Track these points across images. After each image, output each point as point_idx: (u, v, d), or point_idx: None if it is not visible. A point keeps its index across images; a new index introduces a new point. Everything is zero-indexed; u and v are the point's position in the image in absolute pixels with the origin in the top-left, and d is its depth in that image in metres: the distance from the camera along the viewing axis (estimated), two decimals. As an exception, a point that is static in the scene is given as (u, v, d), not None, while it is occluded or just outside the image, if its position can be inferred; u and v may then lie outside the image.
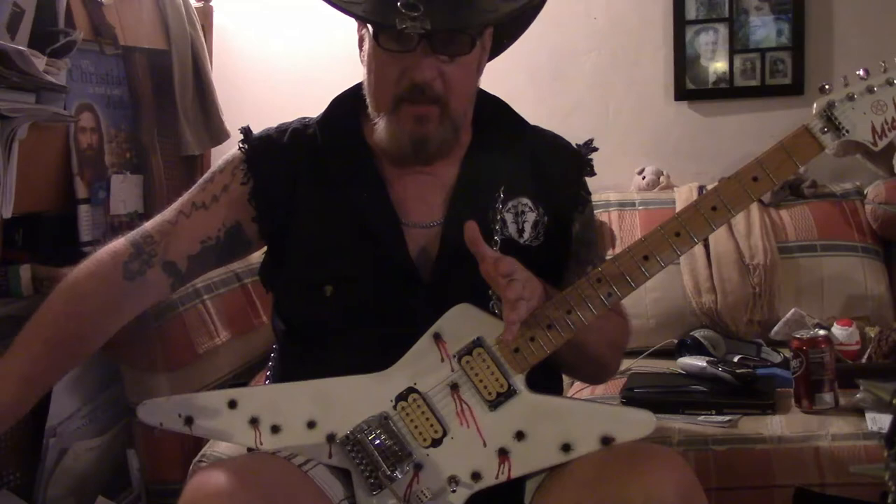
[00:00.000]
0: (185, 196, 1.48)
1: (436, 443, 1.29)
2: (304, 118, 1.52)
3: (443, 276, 1.39)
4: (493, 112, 1.52)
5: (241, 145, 1.49)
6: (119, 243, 1.44)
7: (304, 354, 1.44)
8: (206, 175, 1.50)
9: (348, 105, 1.48)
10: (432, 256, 1.41)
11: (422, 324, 1.32)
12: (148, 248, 1.43)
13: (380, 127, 1.39)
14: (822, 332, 2.00)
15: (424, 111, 1.35)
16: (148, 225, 1.47)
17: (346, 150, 1.46)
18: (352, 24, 1.46)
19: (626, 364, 2.20)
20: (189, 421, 1.34)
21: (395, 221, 1.42)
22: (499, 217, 1.42)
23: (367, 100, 1.42)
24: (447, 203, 1.44)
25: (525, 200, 1.45)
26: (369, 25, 1.37)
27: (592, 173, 1.53)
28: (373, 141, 1.43)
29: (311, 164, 1.45)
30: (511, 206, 1.44)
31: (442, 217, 1.43)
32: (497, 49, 1.53)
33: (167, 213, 1.48)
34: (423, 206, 1.44)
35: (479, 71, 1.45)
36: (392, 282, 1.39)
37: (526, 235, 1.44)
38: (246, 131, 1.50)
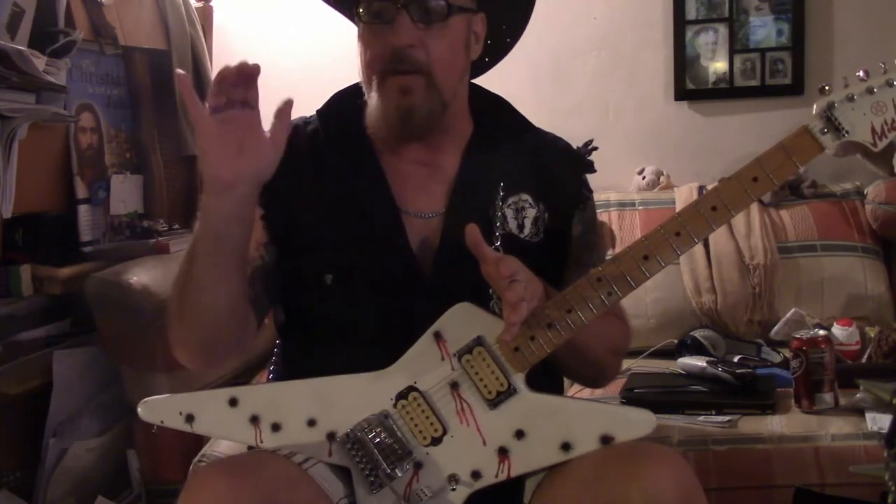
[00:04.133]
0: None
1: (436, 441, 1.29)
2: (303, 116, 1.53)
3: (444, 268, 1.39)
4: (495, 108, 1.53)
5: None
6: None
7: (304, 347, 1.44)
8: None
9: (349, 98, 1.49)
10: (433, 247, 1.41)
11: (422, 315, 1.32)
12: None
13: (370, 105, 1.42)
14: (822, 332, 2.00)
15: (408, 81, 1.37)
16: None
17: (347, 140, 1.47)
18: (350, 24, 1.47)
19: (626, 364, 2.20)
20: (190, 419, 1.34)
21: (394, 210, 1.42)
22: (499, 213, 1.42)
23: (363, 86, 1.44)
24: (448, 194, 1.44)
25: (526, 197, 1.46)
26: (361, 10, 1.39)
27: (593, 170, 1.53)
28: (371, 127, 1.44)
29: (312, 156, 1.47)
30: (512, 202, 1.44)
31: (443, 207, 1.44)
32: (500, 49, 1.54)
33: None
34: (424, 196, 1.45)
35: (468, 51, 1.46)
36: (392, 271, 1.40)
37: (525, 232, 1.45)
38: None
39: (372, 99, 1.41)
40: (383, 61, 1.38)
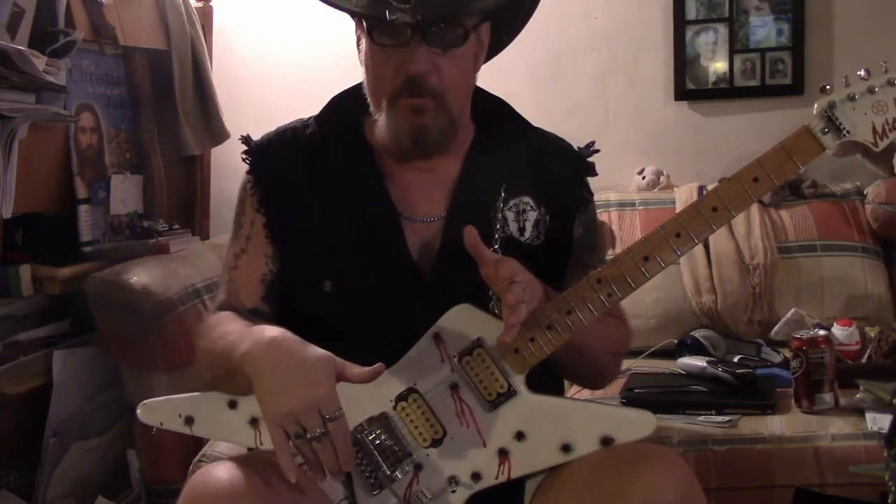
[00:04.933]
0: (228, 251, 1.50)
1: (436, 443, 1.29)
2: (302, 119, 1.53)
3: (443, 273, 1.39)
4: (496, 111, 1.53)
5: (243, 156, 1.50)
6: (219, 314, 1.45)
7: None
8: (234, 220, 1.51)
9: (348, 102, 1.49)
10: (434, 252, 1.41)
11: (422, 320, 1.32)
12: (231, 307, 1.45)
13: (380, 123, 1.40)
14: (822, 332, 2.00)
15: (421, 102, 1.36)
16: (219, 295, 1.50)
17: (346, 145, 1.46)
18: (351, 23, 1.47)
19: (626, 364, 2.20)
20: (189, 421, 1.34)
21: (393, 215, 1.42)
22: (500, 215, 1.42)
23: (368, 98, 1.43)
24: (449, 198, 1.44)
25: (526, 199, 1.45)
26: (364, 23, 1.38)
27: (594, 173, 1.53)
28: (373, 138, 1.44)
29: (311, 162, 1.46)
30: (513, 205, 1.44)
31: (444, 212, 1.43)
32: (497, 46, 1.53)
33: (223, 275, 1.50)
34: (425, 200, 1.44)
35: (475, 65, 1.45)
36: (392, 277, 1.39)
37: (527, 234, 1.44)
38: (246, 140, 1.50)
39: (381, 118, 1.39)
40: (395, 84, 1.36)
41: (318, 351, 1.22)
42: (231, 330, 1.34)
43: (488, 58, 1.52)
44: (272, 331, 1.26)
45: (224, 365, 1.31)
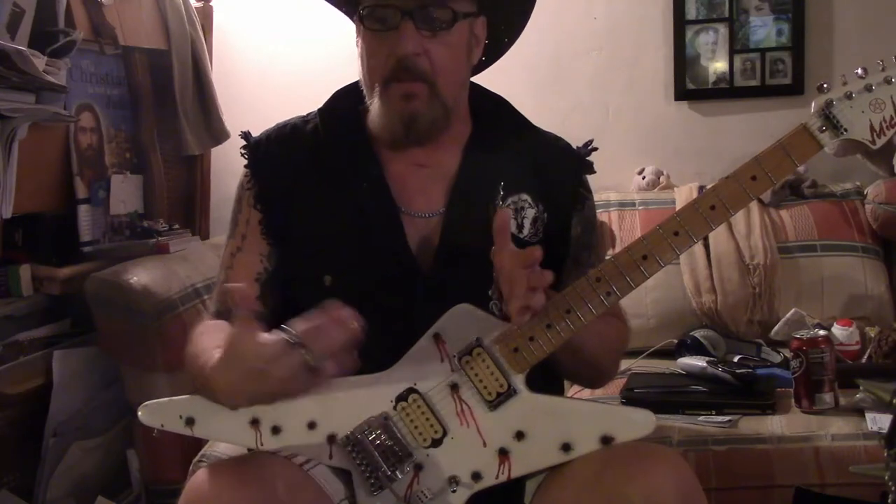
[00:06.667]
0: (225, 250, 1.51)
1: (436, 443, 1.29)
2: (304, 114, 1.53)
3: (443, 268, 1.39)
4: (495, 108, 1.53)
5: (242, 151, 1.50)
6: (208, 321, 1.46)
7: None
8: (231, 218, 1.51)
9: (349, 97, 1.49)
10: (433, 247, 1.41)
11: (422, 316, 1.32)
12: (226, 309, 1.44)
13: (373, 110, 1.42)
14: (822, 332, 2.00)
15: (412, 88, 1.37)
16: (213, 296, 1.52)
17: (347, 139, 1.47)
18: (350, 24, 1.47)
19: (626, 364, 2.20)
20: (190, 422, 1.34)
21: (393, 210, 1.42)
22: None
23: (363, 87, 1.44)
24: (448, 193, 1.44)
25: (525, 196, 1.46)
26: (359, 10, 1.40)
27: (592, 171, 1.53)
28: (372, 131, 1.44)
29: (311, 157, 1.47)
30: (511, 202, 1.44)
31: (442, 207, 1.44)
32: (497, 49, 1.54)
33: (219, 274, 1.51)
34: (424, 196, 1.45)
35: (469, 57, 1.46)
36: (391, 272, 1.40)
37: (525, 232, 1.45)
38: (246, 136, 1.51)
39: (374, 105, 1.41)
40: (386, 69, 1.37)
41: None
42: (201, 350, 1.33)
43: (490, 61, 1.52)
44: (213, 360, 1.25)
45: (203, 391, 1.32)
